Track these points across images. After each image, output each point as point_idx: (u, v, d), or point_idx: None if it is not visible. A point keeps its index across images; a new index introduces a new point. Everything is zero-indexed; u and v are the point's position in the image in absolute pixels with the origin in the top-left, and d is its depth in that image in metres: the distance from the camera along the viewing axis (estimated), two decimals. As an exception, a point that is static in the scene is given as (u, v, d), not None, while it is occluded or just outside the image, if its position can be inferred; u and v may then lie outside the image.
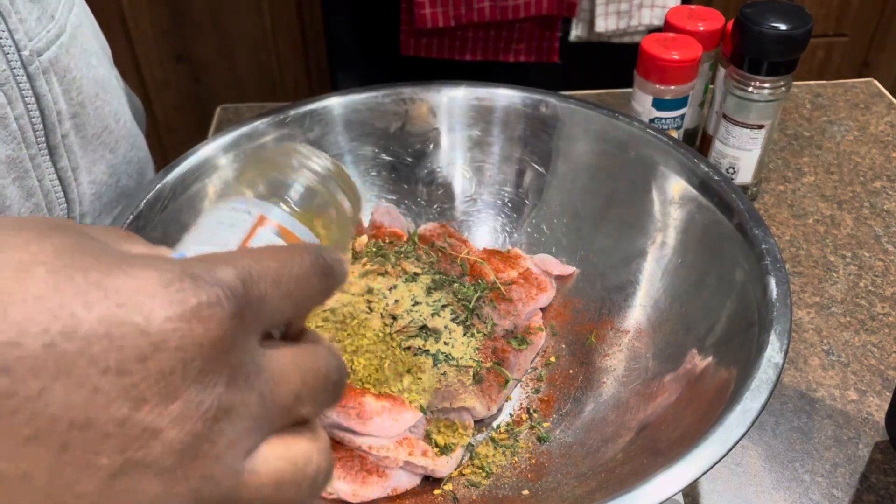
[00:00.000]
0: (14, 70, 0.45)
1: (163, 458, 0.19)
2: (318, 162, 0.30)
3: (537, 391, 0.55)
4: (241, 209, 0.27)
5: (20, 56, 0.45)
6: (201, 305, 0.20)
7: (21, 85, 0.45)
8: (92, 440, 0.19)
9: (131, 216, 0.50)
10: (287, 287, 0.22)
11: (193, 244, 0.26)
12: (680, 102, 0.69)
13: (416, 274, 0.57)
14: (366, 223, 0.63)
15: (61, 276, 0.19)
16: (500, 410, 0.53)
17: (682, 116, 0.70)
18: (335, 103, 0.62)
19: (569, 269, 0.61)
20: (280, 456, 0.22)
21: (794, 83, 0.90)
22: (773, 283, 0.46)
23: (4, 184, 0.46)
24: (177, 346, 0.19)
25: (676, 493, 0.36)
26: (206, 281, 0.20)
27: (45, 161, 0.48)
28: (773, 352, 0.42)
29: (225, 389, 0.20)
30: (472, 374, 0.51)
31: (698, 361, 0.48)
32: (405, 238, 0.61)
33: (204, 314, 0.20)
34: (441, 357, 0.51)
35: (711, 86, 0.76)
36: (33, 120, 0.47)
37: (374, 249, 0.58)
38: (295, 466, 0.22)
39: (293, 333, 0.25)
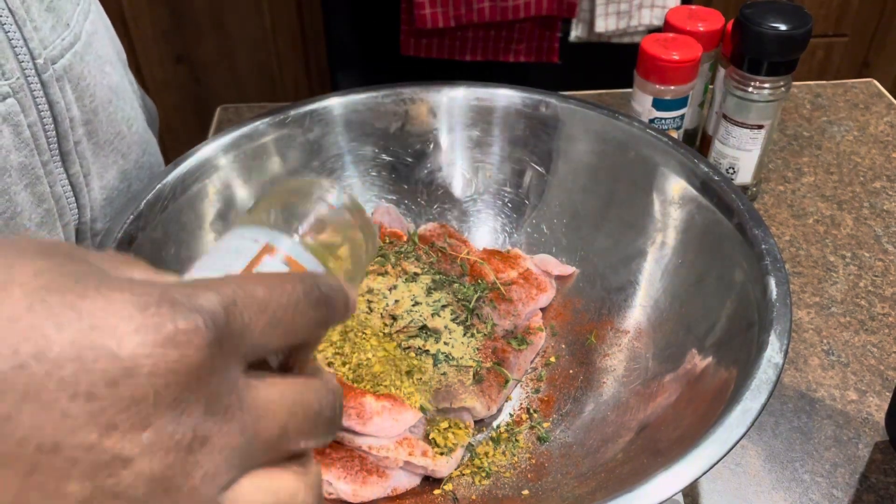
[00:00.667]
0: (28, 78, 0.45)
1: (133, 487, 0.19)
2: (335, 194, 0.30)
3: (537, 391, 0.55)
4: (249, 237, 0.27)
5: (34, 64, 0.45)
6: (178, 332, 0.19)
7: (35, 92, 0.45)
8: (60, 465, 0.18)
9: (131, 216, 0.50)
10: (274, 316, 0.22)
11: (198, 270, 0.26)
12: (680, 102, 0.69)
13: (416, 274, 0.57)
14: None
15: (36, 297, 0.19)
16: (500, 410, 0.53)
17: (682, 116, 0.70)
18: (335, 103, 0.62)
19: (569, 269, 0.61)
20: (262, 489, 0.22)
21: (794, 83, 0.90)
22: (772, 283, 0.46)
23: (16, 190, 0.46)
24: (149, 372, 0.19)
25: (676, 493, 0.36)
26: (186, 307, 0.20)
27: (56, 167, 0.48)
28: (773, 352, 0.42)
29: (201, 419, 0.20)
30: (472, 374, 0.51)
31: (698, 361, 0.48)
32: (405, 238, 0.61)
33: (180, 340, 0.19)
34: (441, 357, 0.51)
35: (711, 86, 0.76)
36: (46, 127, 0.47)
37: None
38: (277, 501, 0.22)
39: (293, 364, 0.25)
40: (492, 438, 0.51)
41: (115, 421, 0.18)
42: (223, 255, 0.26)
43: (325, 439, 0.24)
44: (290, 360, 0.25)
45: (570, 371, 0.55)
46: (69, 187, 0.50)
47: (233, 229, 0.28)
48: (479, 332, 0.54)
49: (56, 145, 0.48)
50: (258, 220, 0.28)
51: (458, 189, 0.65)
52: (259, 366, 0.23)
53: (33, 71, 0.45)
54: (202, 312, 0.20)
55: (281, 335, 0.22)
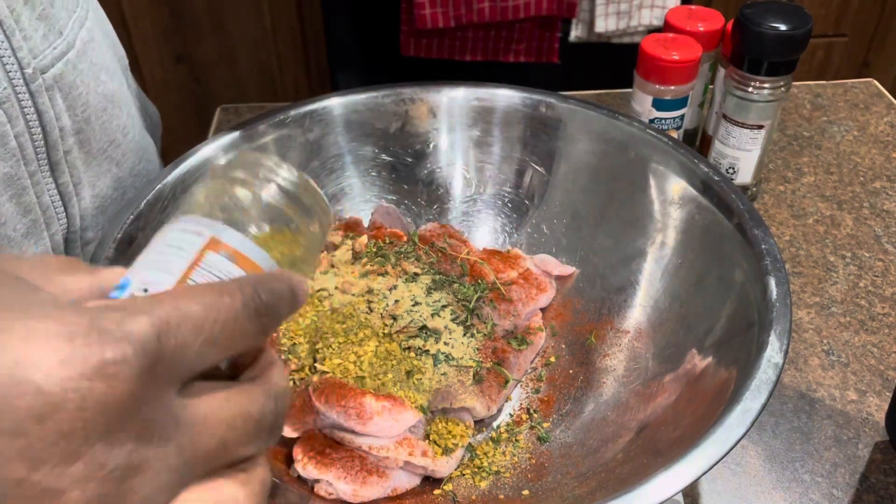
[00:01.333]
0: (16, 87, 0.44)
1: None
2: (284, 176, 0.27)
3: (537, 391, 0.55)
4: (192, 229, 0.25)
5: (23, 74, 0.44)
6: (105, 363, 0.19)
7: (23, 102, 0.44)
8: None
9: (131, 216, 0.50)
10: (211, 334, 0.21)
11: (141, 268, 0.24)
12: (680, 103, 0.69)
13: (416, 274, 0.57)
14: (366, 223, 0.63)
15: None
16: (500, 410, 0.53)
17: (682, 117, 0.70)
18: (335, 103, 0.62)
19: (569, 269, 0.61)
20: (202, 500, 0.22)
21: (794, 83, 0.90)
22: (772, 283, 0.46)
23: (1, 201, 0.44)
24: (77, 406, 0.18)
25: (676, 493, 0.36)
26: (115, 335, 0.19)
27: (45, 177, 0.47)
28: (772, 352, 0.42)
29: (135, 446, 0.20)
30: (472, 374, 0.51)
31: (698, 361, 0.48)
32: (405, 238, 0.61)
33: (108, 372, 0.19)
34: (441, 357, 0.51)
35: (711, 86, 0.76)
36: (34, 137, 0.46)
37: (374, 249, 0.58)
38: None
39: (243, 364, 0.24)
40: (492, 438, 0.51)
41: (43, 456, 0.18)
42: (164, 252, 0.25)
43: (268, 444, 0.24)
44: (240, 359, 0.24)
45: (570, 371, 0.55)
46: (58, 197, 0.49)
47: (176, 218, 0.26)
48: (479, 332, 0.54)
49: (45, 155, 0.47)
50: (202, 208, 0.26)
51: (458, 189, 0.65)
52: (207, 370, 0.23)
53: (21, 81, 0.44)
54: (132, 340, 0.19)
55: (219, 351, 0.22)
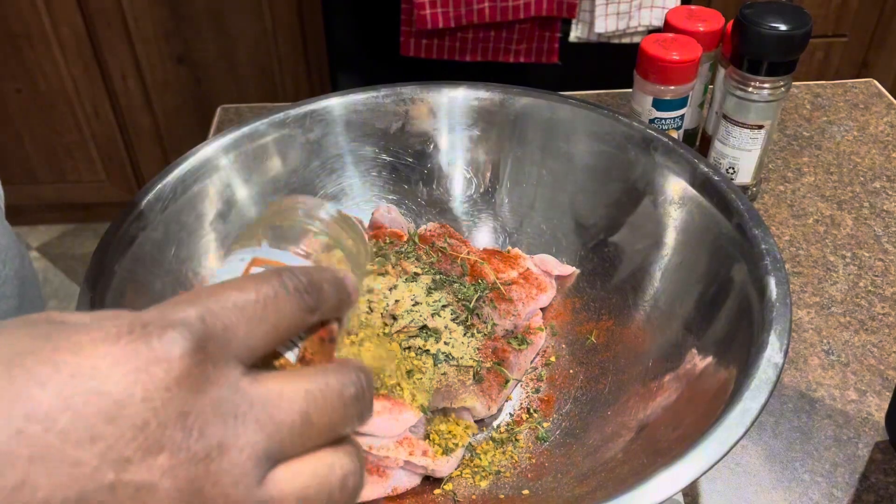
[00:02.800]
0: None
1: None
2: (326, 209, 0.29)
3: (537, 391, 0.55)
4: (237, 258, 0.27)
5: None
6: (155, 350, 0.19)
7: None
8: None
9: (132, 216, 0.50)
10: (254, 313, 0.22)
11: None
12: (680, 103, 0.69)
13: (417, 274, 0.57)
14: (366, 223, 0.63)
15: (14, 364, 0.19)
16: (500, 410, 0.53)
17: (682, 117, 0.70)
18: (335, 103, 0.62)
19: (569, 269, 0.61)
20: (298, 472, 0.22)
21: (794, 83, 0.90)
22: (772, 283, 0.46)
23: None
24: (142, 396, 0.19)
25: (676, 493, 0.36)
26: (157, 324, 0.20)
27: None
28: (772, 352, 0.42)
29: (212, 427, 0.20)
30: (472, 373, 0.51)
31: (698, 361, 0.48)
32: (405, 238, 0.61)
33: (160, 357, 0.19)
34: (441, 357, 0.51)
35: (711, 86, 0.76)
36: None
37: (375, 249, 0.59)
38: (316, 477, 0.22)
39: (314, 361, 0.25)
40: (492, 438, 0.51)
41: (125, 454, 0.19)
42: (214, 282, 0.26)
43: (361, 420, 0.24)
44: (309, 356, 0.25)
45: (570, 371, 0.55)
46: None
47: (226, 258, 0.28)
48: (479, 331, 0.54)
49: None
50: (248, 244, 0.28)
51: (458, 189, 0.65)
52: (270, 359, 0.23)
53: None
54: (175, 325, 0.20)
55: (268, 329, 0.22)
